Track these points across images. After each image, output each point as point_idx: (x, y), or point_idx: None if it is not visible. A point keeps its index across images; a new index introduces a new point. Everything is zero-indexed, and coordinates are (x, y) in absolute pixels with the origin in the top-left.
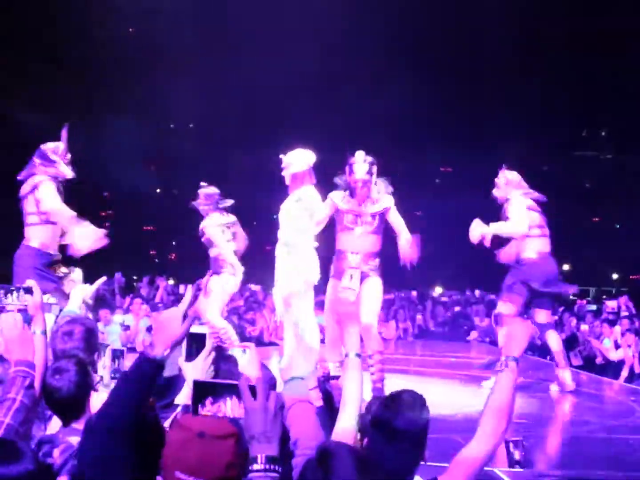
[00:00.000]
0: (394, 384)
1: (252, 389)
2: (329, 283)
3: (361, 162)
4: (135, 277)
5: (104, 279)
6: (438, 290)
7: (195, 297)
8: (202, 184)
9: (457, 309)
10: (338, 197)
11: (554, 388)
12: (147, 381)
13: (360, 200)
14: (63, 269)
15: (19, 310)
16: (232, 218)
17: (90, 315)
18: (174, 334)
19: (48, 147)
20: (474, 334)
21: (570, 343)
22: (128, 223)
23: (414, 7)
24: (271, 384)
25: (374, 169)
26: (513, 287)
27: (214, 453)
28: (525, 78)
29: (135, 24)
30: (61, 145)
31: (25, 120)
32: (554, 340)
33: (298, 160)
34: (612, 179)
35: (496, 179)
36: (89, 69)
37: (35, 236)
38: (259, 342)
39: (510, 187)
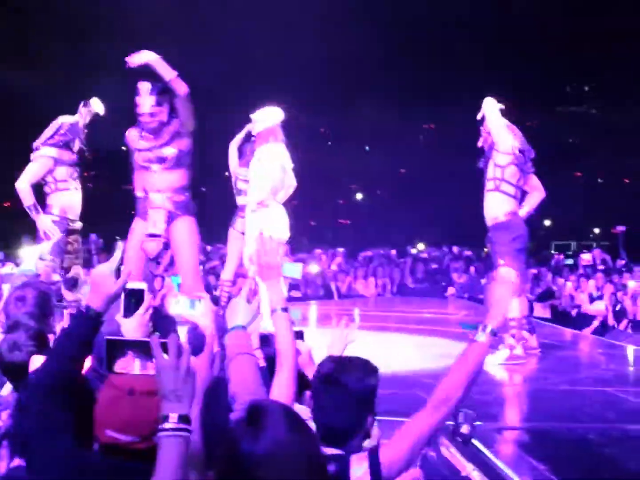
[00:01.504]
0: (372, 340)
1: (164, 346)
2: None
3: (146, 95)
4: (117, 238)
5: (59, 236)
6: (420, 247)
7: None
8: None
9: (434, 265)
10: (132, 135)
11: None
12: (84, 336)
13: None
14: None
15: None
16: None
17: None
18: (108, 290)
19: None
20: (451, 290)
21: (545, 296)
22: (108, 183)
23: None
24: (224, 331)
25: (166, 99)
26: (514, 249)
27: (143, 410)
28: (508, 33)
29: None
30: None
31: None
32: None
33: (264, 118)
34: (595, 134)
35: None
36: (75, 27)
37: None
38: None
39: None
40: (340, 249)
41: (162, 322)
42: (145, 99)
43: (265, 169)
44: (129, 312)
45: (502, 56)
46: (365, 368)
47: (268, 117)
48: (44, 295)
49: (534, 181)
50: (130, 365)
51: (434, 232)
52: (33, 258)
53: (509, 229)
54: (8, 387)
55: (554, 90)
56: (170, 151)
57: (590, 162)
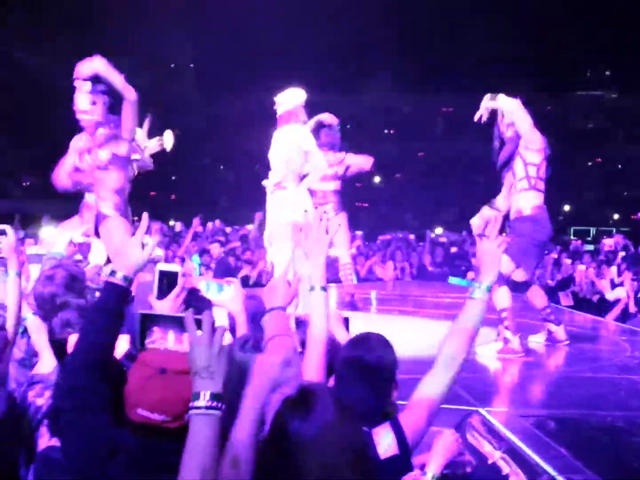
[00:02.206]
0: (393, 324)
1: (199, 322)
2: None
3: (83, 93)
4: (135, 218)
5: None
6: (438, 231)
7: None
8: None
9: (454, 249)
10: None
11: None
12: (115, 306)
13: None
14: None
15: None
16: None
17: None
18: (136, 259)
19: None
20: (471, 275)
21: (565, 283)
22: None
23: None
24: (260, 312)
25: (103, 99)
26: (532, 242)
27: (175, 389)
28: (528, 18)
29: None
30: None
31: (25, 62)
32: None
33: (286, 100)
34: (615, 119)
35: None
36: (88, 11)
37: None
38: (258, 284)
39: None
40: (359, 232)
41: (196, 304)
42: (81, 96)
43: (281, 151)
44: (162, 294)
45: (521, 40)
46: (382, 344)
47: (289, 99)
48: (74, 277)
49: None
50: (163, 339)
51: (452, 215)
52: (63, 241)
53: (535, 222)
54: (50, 365)
55: (574, 75)
56: (103, 153)
57: (610, 148)
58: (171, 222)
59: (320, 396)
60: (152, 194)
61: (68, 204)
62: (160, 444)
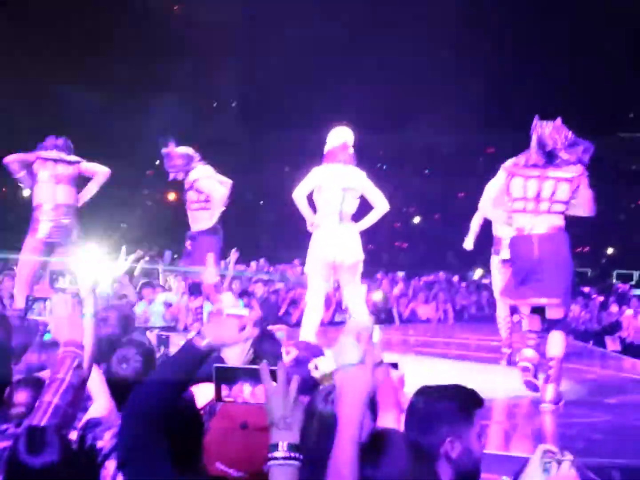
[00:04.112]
0: (435, 368)
1: (273, 373)
2: None
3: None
4: (175, 255)
5: (138, 253)
6: (478, 273)
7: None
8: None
9: None
10: None
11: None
12: (186, 368)
13: None
14: None
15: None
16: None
17: (130, 293)
18: (228, 337)
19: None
20: (516, 318)
21: (613, 328)
22: (170, 201)
23: None
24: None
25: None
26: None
27: (255, 446)
28: (571, 58)
29: (179, 2)
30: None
31: (69, 96)
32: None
33: (330, 138)
34: None
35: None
36: (133, 47)
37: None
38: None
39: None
40: (400, 273)
41: (265, 345)
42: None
43: (327, 192)
44: None
45: (562, 81)
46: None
47: (329, 139)
48: (126, 318)
49: None
50: (240, 392)
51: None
52: (108, 280)
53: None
54: (105, 408)
55: (616, 115)
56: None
57: None
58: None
59: (392, 441)
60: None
61: None
62: None
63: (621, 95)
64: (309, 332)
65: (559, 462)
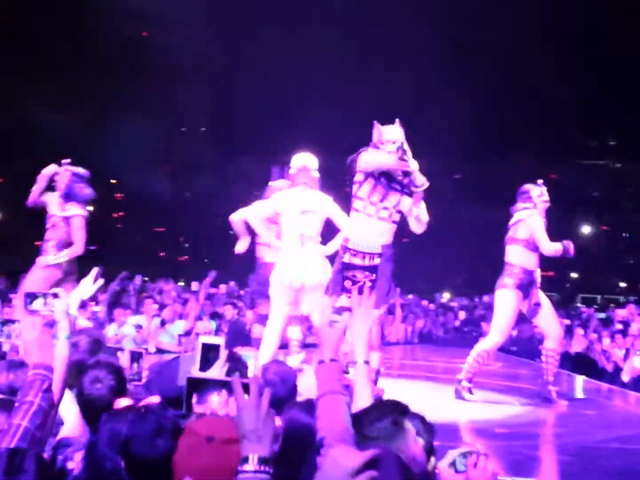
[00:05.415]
0: (404, 389)
1: (245, 386)
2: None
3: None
4: (146, 279)
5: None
6: (446, 296)
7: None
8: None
9: (463, 315)
10: None
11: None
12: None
13: None
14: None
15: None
16: None
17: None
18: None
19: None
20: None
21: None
22: (139, 224)
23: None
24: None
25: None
26: None
27: (223, 458)
28: (533, 87)
29: (148, 28)
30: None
31: (43, 119)
32: None
33: (292, 163)
34: (620, 188)
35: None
36: (101, 71)
37: None
38: None
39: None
40: None
41: (235, 367)
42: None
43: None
44: (205, 366)
45: (526, 111)
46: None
47: (291, 164)
48: (97, 342)
49: None
50: (209, 403)
51: (460, 280)
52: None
53: None
54: (77, 429)
55: (578, 143)
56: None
57: (615, 216)
58: (180, 283)
59: (384, 463)
60: (161, 255)
61: None
62: None
63: (583, 124)
64: (265, 354)
65: (465, 456)
